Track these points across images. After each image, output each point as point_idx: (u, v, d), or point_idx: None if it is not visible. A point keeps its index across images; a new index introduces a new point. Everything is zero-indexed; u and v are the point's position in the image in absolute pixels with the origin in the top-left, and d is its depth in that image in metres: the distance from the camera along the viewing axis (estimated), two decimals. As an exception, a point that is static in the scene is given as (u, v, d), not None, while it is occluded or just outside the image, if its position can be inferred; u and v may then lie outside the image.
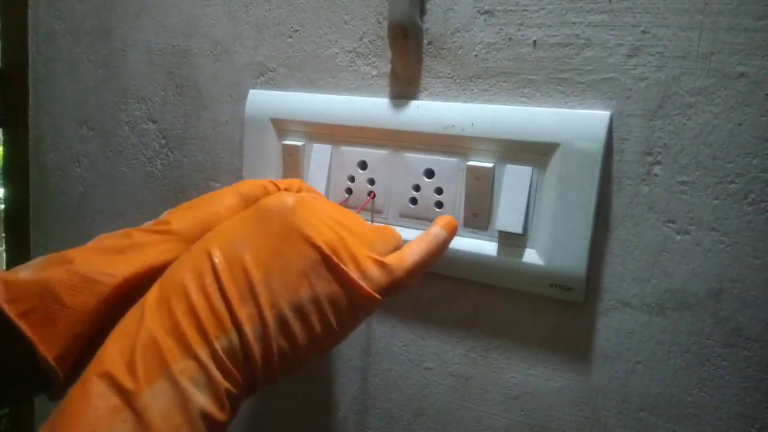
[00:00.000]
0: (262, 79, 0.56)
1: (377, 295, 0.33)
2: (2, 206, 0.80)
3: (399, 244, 0.38)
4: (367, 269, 0.33)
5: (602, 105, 0.42)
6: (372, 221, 0.50)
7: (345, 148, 0.51)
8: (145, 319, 0.29)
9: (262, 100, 0.55)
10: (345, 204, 0.51)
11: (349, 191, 0.51)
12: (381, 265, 0.34)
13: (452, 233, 0.40)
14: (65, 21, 0.70)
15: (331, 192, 0.52)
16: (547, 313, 0.45)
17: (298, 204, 0.33)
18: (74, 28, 0.69)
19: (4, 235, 0.81)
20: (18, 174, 0.76)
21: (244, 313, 0.30)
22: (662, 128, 0.40)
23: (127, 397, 0.27)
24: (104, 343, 0.30)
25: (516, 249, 0.45)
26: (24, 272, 0.35)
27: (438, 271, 0.48)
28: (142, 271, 0.36)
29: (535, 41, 0.43)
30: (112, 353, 0.28)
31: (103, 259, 0.36)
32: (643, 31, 0.40)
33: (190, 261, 0.32)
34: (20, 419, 0.80)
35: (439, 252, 0.38)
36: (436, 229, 0.39)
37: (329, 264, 0.32)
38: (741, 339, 0.39)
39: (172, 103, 0.63)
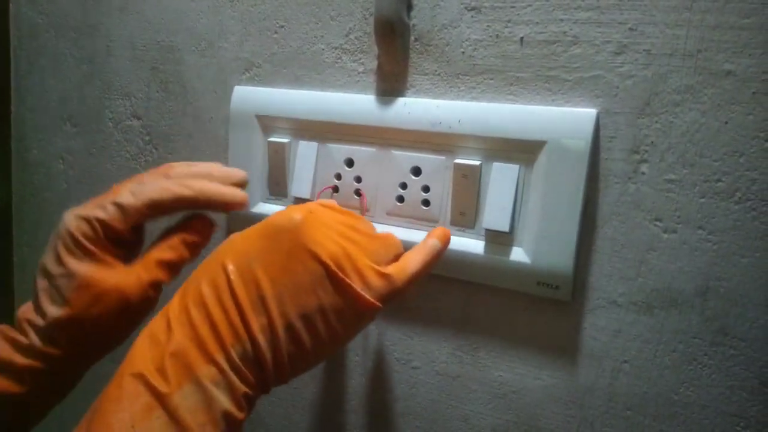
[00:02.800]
0: (248, 75, 0.56)
1: (379, 304, 0.36)
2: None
3: (400, 252, 0.40)
4: (369, 280, 0.35)
5: (589, 103, 0.41)
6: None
7: (331, 146, 0.50)
8: (173, 329, 0.33)
9: (248, 96, 0.55)
10: (329, 197, 0.51)
11: (335, 189, 0.51)
12: (382, 276, 0.36)
13: (446, 244, 0.42)
14: (48, 15, 0.69)
15: (317, 190, 0.51)
16: (534, 312, 0.45)
17: (306, 220, 0.35)
18: (57, 22, 0.68)
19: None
20: (1, 171, 0.75)
21: (256, 324, 0.33)
22: (649, 126, 0.40)
23: (160, 398, 0.30)
24: (133, 344, 0.33)
25: (503, 247, 0.44)
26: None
27: (425, 269, 0.48)
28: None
29: (522, 38, 0.43)
30: (143, 357, 0.32)
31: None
32: (631, 29, 0.39)
33: (208, 273, 0.35)
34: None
35: (435, 262, 0.41)
36: (433, 240, 0.41)
37: (334, 278, 0.34)
38: (727, 337, 0.39)
39: (156, 99, 0.62)
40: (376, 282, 0.36)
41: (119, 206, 0.39)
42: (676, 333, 0.41)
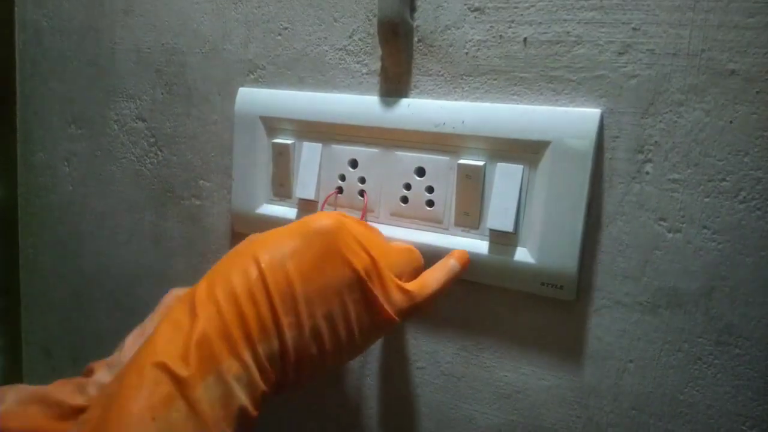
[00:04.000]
0: (252, 77, 0.56)
1: (397, 318, 0.37)
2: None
3: (419, 265, 0.42)
4: (392, 294, 0.37)
5: (593, 103, 0.41)
6: (365, 220, 0.49)
7: (335, 147, 0.51)
8: (199, 317, 0.32)
9: (252, 98, 0.55)
10: (334, 201, 0.51)
11: (339, 190, 0.51)
12: (405, 291, 0.37)
13: (465, 267, 0.44)
14: (52, 19, 0.69)
15: (321, 191, 0.51)
16: (539, 312, 0.45)
17: (340, 227, 0.36)
18: (62, 25, 0.68)
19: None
20: (6, 173, 0.76)
21: (286, 321, 0.33)
22: (653, 126, 0.40)
23: (181, 387, 0.29)
24: (153, 332, 0.32)
25: (507, 247, 0.44)
26: None
27: (429, 270, 0.48)
28: None
29: (525, 39, 0.43)
30: (165, 345, 0.31)
31: None
32: (634, 29, 0.40)
33: (239, 265, 0.34)
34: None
35: (452, 283, 0.42)
36: (453, 261, 0.43)
37: (363, 287, 0.36)
38: (732, 337, 0.39)
39: (161, 101, 0.62)
40: (397, 297, 0.37)
41: None
42: (681, 332, 0.41)
